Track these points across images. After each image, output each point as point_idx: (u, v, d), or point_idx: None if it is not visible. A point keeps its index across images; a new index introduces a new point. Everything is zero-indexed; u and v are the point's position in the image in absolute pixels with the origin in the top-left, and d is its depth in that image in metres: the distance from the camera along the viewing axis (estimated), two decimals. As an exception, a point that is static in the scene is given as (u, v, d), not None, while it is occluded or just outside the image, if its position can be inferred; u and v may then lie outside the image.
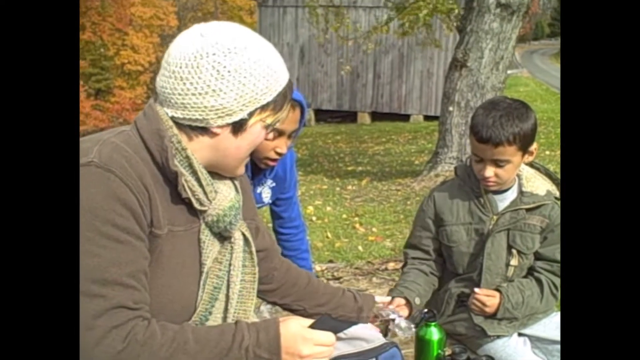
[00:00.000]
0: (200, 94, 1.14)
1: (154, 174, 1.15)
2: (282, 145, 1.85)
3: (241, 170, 1.28)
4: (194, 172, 1.18)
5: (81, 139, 1.16)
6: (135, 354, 1.05)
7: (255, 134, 1.21)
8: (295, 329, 1.16)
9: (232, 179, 1.32)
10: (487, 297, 1.79)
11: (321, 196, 6.73)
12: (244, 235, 1.30)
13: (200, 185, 1.19)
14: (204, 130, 1.18)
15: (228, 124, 1.17)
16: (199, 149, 1.20)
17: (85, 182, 1.06)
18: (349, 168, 9.10)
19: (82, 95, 18.72)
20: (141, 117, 1.20)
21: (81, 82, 19.30)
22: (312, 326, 1.17)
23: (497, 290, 1.81)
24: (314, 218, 5.48)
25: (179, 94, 1.15)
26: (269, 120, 1.22)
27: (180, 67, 1.14)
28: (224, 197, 1.24)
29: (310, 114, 15.65)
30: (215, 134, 1.18)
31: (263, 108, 1.19)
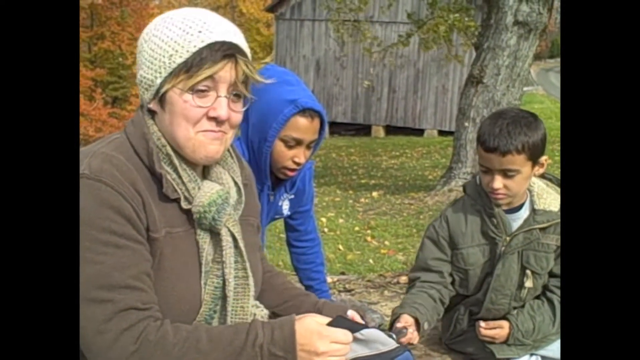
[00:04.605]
0: (137, 73, 1.17)
1: (147, 179, 1.15)
2: (299, 155, 1.81)
3: (205, 154, 1.17)
4: (176, 170, 1.18)
5: None
6: (149, 354, 1.06)
7: (178, 104, 1.14)
8: (311, 326, 1.14)
9: (231, 173, 1.30)
10: (493, 331, 1.75)
11: (334, 208, 6.74)
12: (230, 231, 1.26)
13: (184, 182, 1.18)
14: (150, 111, 1.18)
15: (154, 97, 1.16)
16: (163, 134, 1.18)
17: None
18: (362, 181, 9.11)
19: (100, 103, 18.91)
20: (129, 124, 1.21)
21: (99, 90, 19.49)
22: (328, 325, 1.16)
23: (506, 318, 1.77)
24: (326, 230, 5.48)
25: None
26: (187, 85, 1.13)
27: None
28: (204, 193, 1.20)
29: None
30: (154, 112, 1.18)
31: (175, 74, 1.12)
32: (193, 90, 1.13)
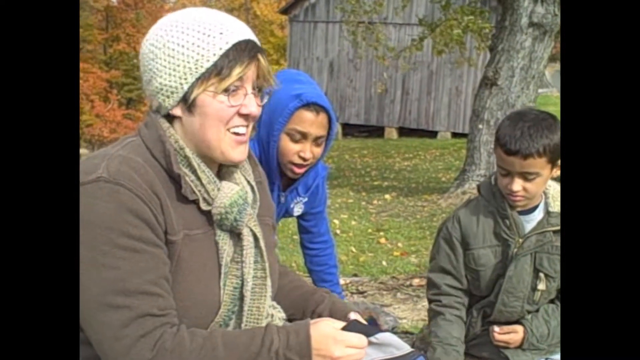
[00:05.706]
0: (148, 81, 1.18)
1: (165, 181, 1.15)
2: (305, 150, 1.81)
3: (234, 155, 1.20)
4: (194, 171, 1.18)
5: (90, 155, 1.17)
6: None
7: (210, 106, 1.15)
8: (326, 331, 1.15)
9: (242, 172, 1.30)
10: (508, 336, 1.74)
11: (347, 210, 6.73)
12: (252, 231, 1.27)
13: (202, 184, 1.19)
14: (171, 117, 1.19)
15: (178, 103, 1.16)
16: (183, 138, 1.19)
17: (95, 198, 1.06)
18: (375, 183, 9.10)
19: (115, 105, 19.09)
20: (143, 127, 1.21)
21: (114, 92, 19.68)
22: (343, 329, 1.17)
23: (520, 323, 1.76)
24: (338, 231, 5.48)
25: (144, 88, 1.21)
26: (220, 87, 1.14)
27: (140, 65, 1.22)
28: (224, 194, 1.20)
29: (337, 128, 15.73)
30: (177, 117, 1.18)
31: (204, 77, 1.13)
32: (226, 91, 1.15)
